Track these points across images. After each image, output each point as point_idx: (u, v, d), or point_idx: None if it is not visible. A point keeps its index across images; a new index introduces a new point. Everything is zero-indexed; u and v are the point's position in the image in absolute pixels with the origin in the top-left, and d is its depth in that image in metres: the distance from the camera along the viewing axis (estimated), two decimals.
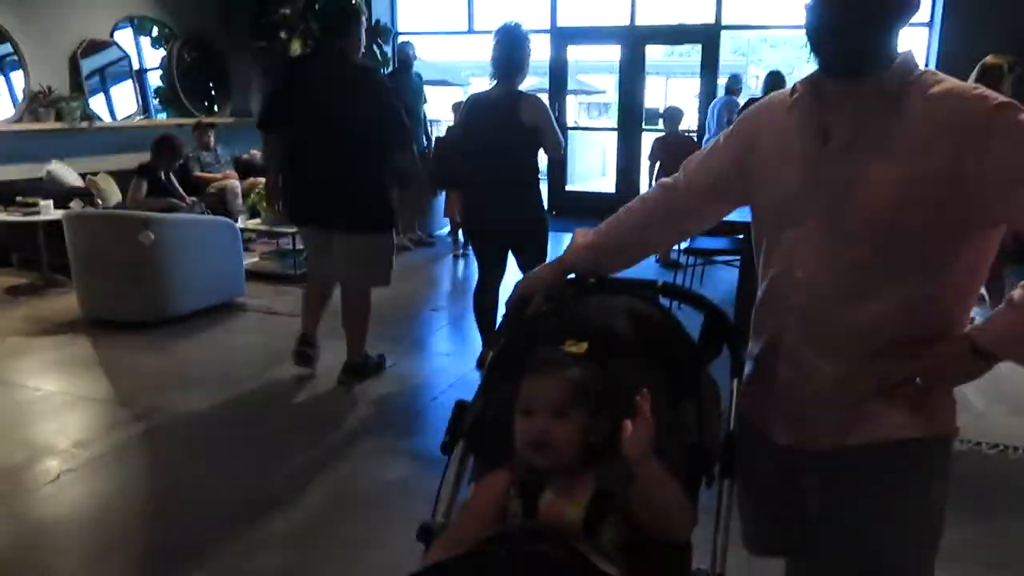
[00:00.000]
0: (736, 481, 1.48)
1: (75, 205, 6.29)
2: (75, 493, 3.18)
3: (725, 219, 1.74)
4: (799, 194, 1.39)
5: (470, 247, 5.43)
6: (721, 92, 8.90)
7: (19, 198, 6.12)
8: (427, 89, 8.53)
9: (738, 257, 5.52)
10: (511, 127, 3.97)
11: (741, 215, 1.73)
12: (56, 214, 5.80)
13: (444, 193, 7.46)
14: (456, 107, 7.75)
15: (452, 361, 4.88)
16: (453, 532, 1.36)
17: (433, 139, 8.36)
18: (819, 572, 1.48)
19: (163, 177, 6.55)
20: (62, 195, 6.43)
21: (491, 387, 1.56)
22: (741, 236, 5.39)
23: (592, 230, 1.71)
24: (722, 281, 6.44)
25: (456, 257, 7.83)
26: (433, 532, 1.38)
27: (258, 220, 7.05)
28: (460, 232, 7.92)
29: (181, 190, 6.74)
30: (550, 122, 4.04)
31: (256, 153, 8.38)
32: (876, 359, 1.35)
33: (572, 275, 1.70)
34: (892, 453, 1.36)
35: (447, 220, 8.13)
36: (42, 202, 6.06)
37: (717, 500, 1.38)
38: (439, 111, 10.51)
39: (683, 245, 5.88)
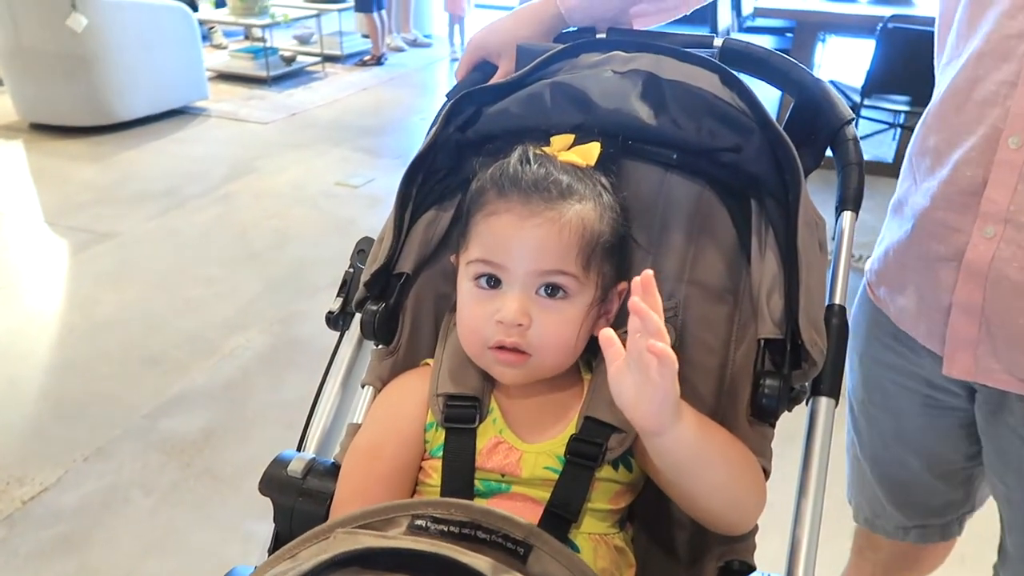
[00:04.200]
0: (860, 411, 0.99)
1: None
2: None
3: None
4: None
5: None
6: None
7: None
8: None
9: None
10: None
11: None
12: None
13: None
14: None
15: None
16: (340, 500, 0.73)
17: None
18: None
19: None
20: None
21: (411, 216, 0.87)
22: None
23: None
24: None
25: (455, 60, 6.86)
26: (292, 482, 0.76)
27: (225, 10, 6.08)
28: (459, 31, 6.93)
29: None
30: None
31: None
32: None
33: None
34: None
35: (448, 16, 7.05)
36: None
37: (805, 445, 0.74)
38: None
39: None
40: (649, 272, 0.61)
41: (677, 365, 0.60)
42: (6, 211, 3.59)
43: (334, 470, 0.77)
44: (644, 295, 0.60)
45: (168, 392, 2.32)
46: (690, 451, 0.66)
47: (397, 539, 0.53)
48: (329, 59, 6.40)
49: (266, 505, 0.73)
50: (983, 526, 1.15)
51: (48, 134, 4.48)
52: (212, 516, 1.88)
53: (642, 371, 0.60)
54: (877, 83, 3.37)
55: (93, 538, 1.81)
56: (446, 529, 0.55)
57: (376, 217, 3.57)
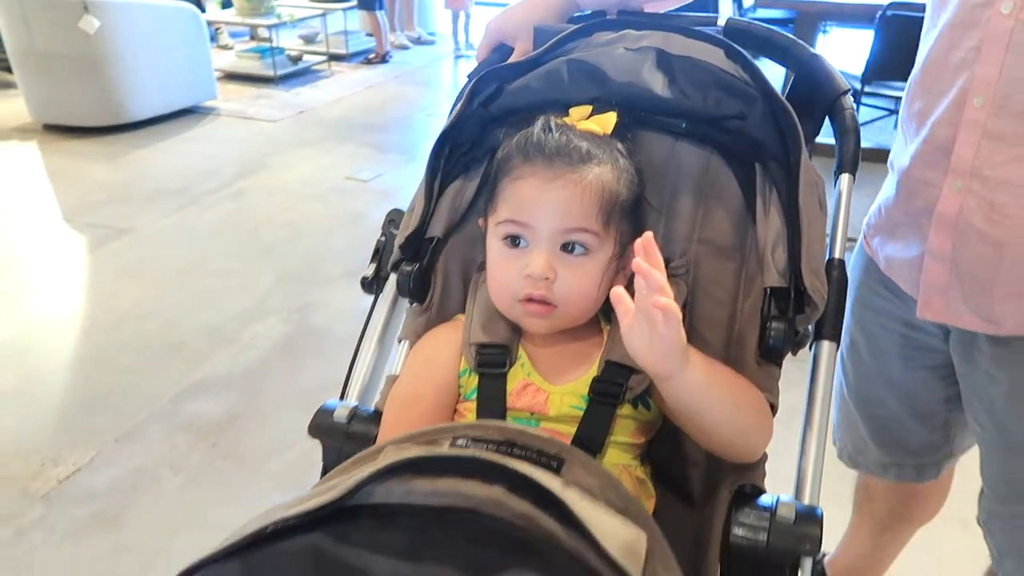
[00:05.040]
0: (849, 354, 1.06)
1: None
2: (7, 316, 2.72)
3: None
4: None
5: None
6: None
7: None
8: None
9: None
10: None
11: None
12: None
13: None
14: None
15: None
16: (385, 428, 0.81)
17: None
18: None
19: None
20: None
21: (440, 186, 0.94)
22: None
23: None
24: None
25: (458, 57, 6.93)
26: (338, 426, 0.83)
27: (231, 10, 6.16)
28: (463, 29, 7.00)
29: None
30: None
31: None
32: None
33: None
34: None
35: (450, 13, 7.11)
36: None
37: (809, 383, 0.81)
38: None
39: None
40: (649, 234, 0.68)
41: (681, 316, 0.66)
42: (25, 210, 3.67)
43: (376, 416, 0.84)
44: (645, 256, 0.66)
45: (189, 380, 2.40)
46: (699, 391, 0.72)
47: (444, 450, 0.60)
48: (335, 58, 6.47)
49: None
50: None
51: (61, 135, 4.56)
52: (238, 495, 1.95)
53: (650, 324, 0.66)
54: (877, 70, 3.42)
55: (125, 516, 1.89)
56: (485, 447, 0.62)
57: (385, 210, 3.63)
